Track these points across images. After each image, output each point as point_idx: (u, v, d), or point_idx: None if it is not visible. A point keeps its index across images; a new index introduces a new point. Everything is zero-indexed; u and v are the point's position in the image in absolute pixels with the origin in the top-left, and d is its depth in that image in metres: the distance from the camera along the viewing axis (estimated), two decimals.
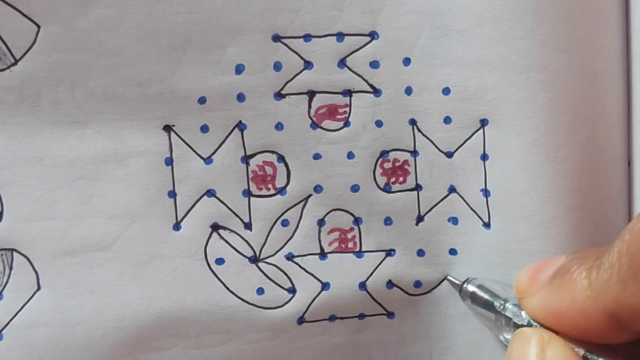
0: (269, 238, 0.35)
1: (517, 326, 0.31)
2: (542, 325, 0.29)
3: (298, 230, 0.35)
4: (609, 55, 0.35)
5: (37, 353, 0.33)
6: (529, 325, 0.30)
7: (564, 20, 0.34)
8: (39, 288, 0.33)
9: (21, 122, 0.33)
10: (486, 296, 0.33)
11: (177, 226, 0.34)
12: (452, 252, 0.36)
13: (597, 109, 0.35)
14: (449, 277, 0.36)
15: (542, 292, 0.29)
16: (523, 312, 0.31)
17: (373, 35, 0.34)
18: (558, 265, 0.29)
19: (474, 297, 0.34)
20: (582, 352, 0.27)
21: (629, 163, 0.36)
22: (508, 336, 0.31)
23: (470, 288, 0.34)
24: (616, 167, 0.36)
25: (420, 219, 0.36)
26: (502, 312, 0.32)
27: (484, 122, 0.35)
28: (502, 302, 0.32)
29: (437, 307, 0.36)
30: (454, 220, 0.36)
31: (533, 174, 0.34)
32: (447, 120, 0.35)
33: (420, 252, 0.36)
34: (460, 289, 0.35)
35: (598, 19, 0.35)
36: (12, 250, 0.33)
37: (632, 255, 0.24)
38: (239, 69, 0.34)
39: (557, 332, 0.28)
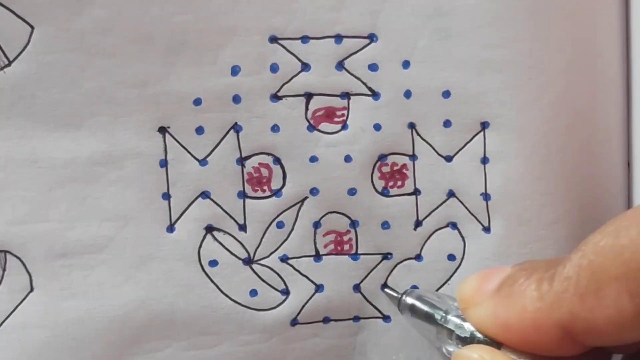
0: (263, 240, 0.37)
1: (460, 338, 0.32)
2: (486, 336, 0.30)
3: (293, 232, 0.37)
4: (610, 56, 0.38)
5: (30, 354, 0.36)
6: (472, 337, 0.31)
7: (564, 21, 0.37)
8: (32, 289, 0.36)
9: (15, 123, 0.35)
10: (426, 308, 0.35)
11: (171, 228, 0.36)
12: (451, 257, 0.38)
13: (597, 111, 0.38)
14: (386, 290, 0.38)
15: (488, 302, 0.29)
16: (466, 324, 0.32)
17: (372, 37, 0.36)
18: (505, 275, 0.30)
19: (413, 310, 0.36)
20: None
21: (629, 164, 0.38)
22: (451, 349, 0.32)
23: (409, 300, 0.36)
24: (616, 169, 0.38)
25: (418, 223, 0.38)
26: (444, 325, 0.33)
27: (484, 125, 0.37)
28: (444, 315, 0.34)
29: None
30: (452, 225, 0.38)
31: (534, 177, 0.37)
32: (447, 123, 0.37)
33: (418, 257, 0.38)
34: (398, 301, 0.37)
35: (599, 20, 0.37)
36: (5, 251, 0.36)
37: (594, 270, 0.26)
38: (235, 71, 0.36)
39: (500, 344, 0.29)
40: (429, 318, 0.34)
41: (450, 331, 0.33)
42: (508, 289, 0.29)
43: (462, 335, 0.32)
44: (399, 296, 0.37)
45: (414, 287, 0.38)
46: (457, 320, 0.32)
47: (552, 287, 0.27)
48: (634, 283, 0.25)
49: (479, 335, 0.31)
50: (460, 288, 0.31)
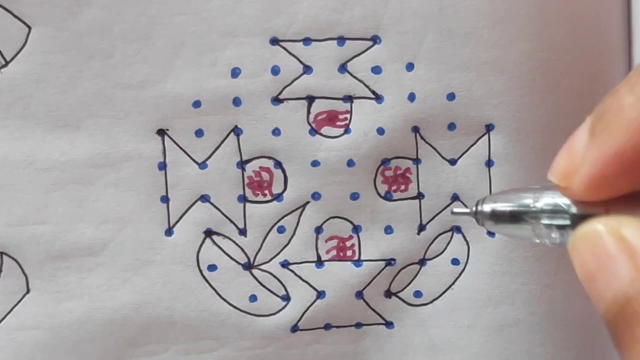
0: (264, 245, 0.37)
1: (562, 227, 0.28)
2: (601, 196, 0.26)
3: (294, 237, 0.37)
4: (613, 57, 0.38)
5: (25, 356, 0.36)
6: (577, 217, 0.28)
7: (568, 22, 0.36)
8: (28, 291, 0.36)
9: (12, 124, 0.35)
10: (510, 208, 0.30)
11: (169, 231, 0.37)
12: (455, 262, 0.38)
13: None
14: (454, 210, 0.33)
15: (589, 152, 0.25)
16: (562, 203, 0.28)
17: (375, 39, 0.36)
18: (589, 121, 0.26)
19: (496, 217, 0.31)
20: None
21: None
22: (555, 235, 0.29)
23: (487, 208, 0.31)
24: None
25: (422, 228, 0.38)
26: (538, 220, 0.29)
27: (489, 128, 0.37)
28: (533, 210, 0.29)
29: (440, 318, 0.39)
30: (457, 229, 0.38)
31: (538, 179, 0.36)
32: (452, 126, 0.37)
33: (422, 262, 0.38)
34: (475, 213, 0.31)
35: (602, 20, 0.37)
36: (1, 253, 0.36)
37: None
38: (235, 73, 0.36)
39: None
40: (516, 218, 0.30)
41: (549, 226, 0.29)
42: (601, 125, 0.25)
43: (564, 224, 0.28)
44: (474, 209, 0.31)
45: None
46: (550, 207, 0.28)
47: None
48: None
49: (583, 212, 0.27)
50: (552, 169, 0.27)
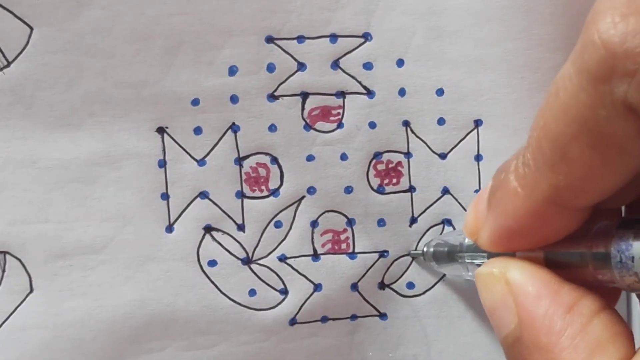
0: (262, 240, 0.38)
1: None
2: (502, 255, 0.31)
3: (291, 231, 0.38)
4: None
5: (30, 355, 0.37)
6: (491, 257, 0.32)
7: (557, 19, 0.38)
8: (31, 290, 0.36)
9: (14, 124, 0.36)
10: (445, 250, 0.37)
11: (170, 228, 0.37)
12: None
13: None
14: (411, 253, 0.40)
15: (487, 221, 0.30)
16: (479, 252, 0.34)
17: (366, 36, 0.38)
18: (489, 187, 0.30)
19: (436, 258, 0.38)
20: (541, 254, 0.29)
21: None
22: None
23: (430, 249, 0.38)
24: None
25: (413, 220, 0.39)
26: (464, 261, 0.35)
27: (478, 123, 0.38)
28: (460, 250, 0.36)
29: (432, 309, 0.40)
30: (447, 222, 0.39)
31: None
32: (441, 121, 0.38)
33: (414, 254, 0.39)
34: (423, 256, 0.39)
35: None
36: (4, 252, 0.36)
37: (552, 137, 0.26)
38: (233, 71, 0.37)
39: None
40: (452, 259, 0.36)
41: (471, 264, 0.35)
42: (494, 198, 0.29)
43: (479, 263, 0.34)
44: (422, 252, 0.39)
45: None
46: (471, 252, 0.35)
47: (525, 171, 0.27)
48: (589, 136, 0.25)
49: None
50: (464, 224, 0.32)
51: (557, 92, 0.26)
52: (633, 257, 0.26)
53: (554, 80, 0.26)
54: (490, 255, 0.32)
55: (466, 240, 0.35)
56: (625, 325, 0.28)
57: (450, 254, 0.37)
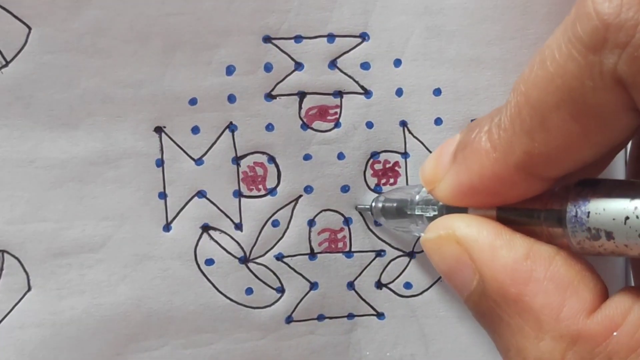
0: (259, 238, 0.39)
1: (431, 219, 0.33)
2: (456, 208, 0.31)
3: (288, 230, 0.39)
4: None
5: (28, 354, 0.37)
6: (440, 213, 0.33)
7: (554, 19, 0.38)
8: (29, 289, 0.37)
9: (12, 123, 0.36)
10: (394, 204, 0.37)
11: (167, 227, 0.38)
12: None
13: None
14: (358, 207, 0.39)
15: (448, 174, 0.30)
16: (431, 205, 0.34)
17: (364, 36, 0.38)
18: (456, 143, 0.31)
19: (385, 212, 0.38)
20: (494, 211, 0.30)
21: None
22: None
23: (379, 204, 0.38)
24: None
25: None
26: (414, 213, 0.35)
27: None
28: (410, 204, 0.36)
29: (430, 308, 0.40)
30: None
31: None
32: (438, 121, 0.39)
33: (411, 254, 0.39)
34: (371, 211, 0.39)
35: None
36: (2, 251, 0.37)
37: (533, 104, 0.26)
38: (230, 70, 0.37)
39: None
40: (401, 213, 0.36)
41: (421, 216, 0.35)
42: (462, 154, 0.30)
43: (431, 215, 0.34)
44: (370, 206, 0.39)
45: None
46: (422, 204, 0.35)
47: (500, 134, 0.28)
48: (573, 106, 0.25)
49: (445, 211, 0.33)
50: (421, 171, 0.32)
51: (543, 60, 0.26)
52: (589, 213, 0.27)
53: (539, 49, 0.27)
54: (441, 209, 0.33)
55: (417, 196, 0.35)
56: (585, 260, 0.28)
57: (399, 209, 0.37)
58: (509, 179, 0.28)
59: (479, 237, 0.29)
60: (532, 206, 0.29)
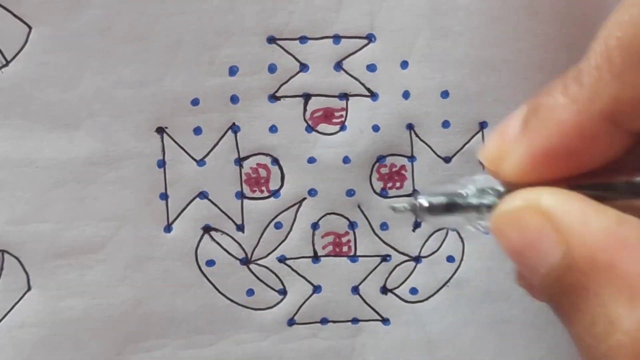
0: (261, 240, 0.38)
1: (490, 208, 0.29)
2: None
3: (291, 233, 0.38)
4: None
5: (27, 353, 0.37)
6: (503, 195, 0.28)
7: (562, 20, 0.37)
8: (29, 289, 0.37)
9: (12, 124, 0.36)
10: (444, 199, 0.31)
11: (168, 228, 0.37)
12: (450, 259, 0.39)
13: None
14: (392, 205, 0.33)
15: (519, 144, 0.27)
16: (489, 187, 0.29)
17: (370, 37, 0.37)
18: (524, 112, 0.28)
19: (432, 209, 0.32)
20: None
21: None
22: (484, 223, 0.30)
23: (423, 202, 0.31)
24: None
25: (417, 225, 0.39)
26: (470, 204, 0.30)
27: (483, 125, 0.38)
28: (464, 195, 0.30)
29: (436, 314, 0.40)
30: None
31: None
32: (446, 124, 0.38)
33: (417, 259, 0.39)
34: (413, 209, 0.32)
35: (595, 19, 0.37)
36: (3, 251, 0.37)
37: (626, 46, 0.25)
38: (233, 71, 0.37)
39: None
40: (451, 209, 0.31)
41: (477, 207, 0.30)
42: (534, 120, 0.27)
43: (491, 203, 0.29)
44: (411, 205, 0.32)
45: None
46: (478, 193, 0.29)
47: (582, 84, 0.26)
48: None
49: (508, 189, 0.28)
50: (484, 151, 0.29)
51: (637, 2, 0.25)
52: None
53: None
54: (505, 194, 0.28)
55: (469, 186, 0.30)
56: None
57: (449, 204, 0.30)
58: (592, 133, 0.26)
59: (566, 205, 0.26)
60: (618, 178, 0.27)
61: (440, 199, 0.31)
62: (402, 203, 0.33)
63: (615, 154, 0.27)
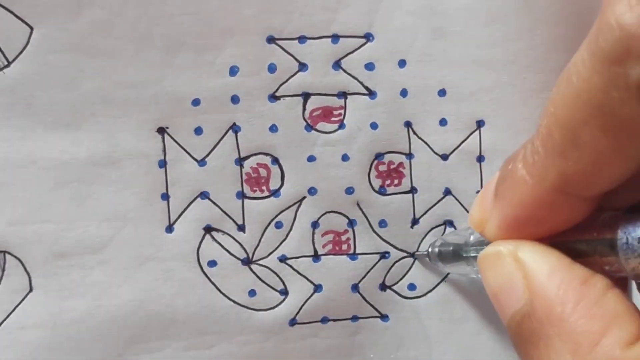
0: (262, 240, 0.38)
1: None
2: None
3: (292, 232, 0.39)
4: None
5: (29, 354, 0.37)
6: None
7: (560, 20, 0.38)
8: (31, 290, 0.37)
9: (14, 124, 0.36)
10: (450, 248, 0.37)
11: (170, 228, 0.38)
12: None
13: None
14: (416, 254, 0.40)
15: (493, 211, 0.30)
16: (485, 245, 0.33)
17: (368, 37, 0.38)
18: (496, 179, 0.30)
19: (442, 257, 0.38)
20: (546, 245, 0.29)
21: None
22: None
23: (435, 249, 0.38)
24: None
25: (415, 221, 0.39)
26: (469, 256, 0.35)
27: (480, 124, 0.39)
28: (465, 246, 0.36)
29: (434, 310, 0.40)
30: (449, 223, 0.39)
31: None
32: (443, 122, 0.38)
33: (415, 255, 0.39)
34: (428, 256, 0.39)
35: (593, 19, 0.38)
36: (4, 252, 0.37)
37: (563, 124, 0.26)
38: (233, 71, 0.37)
39: None
40: (457, 256, 0.37)
41: (475, 258, 0.34)
42: (502, 187, 0.29)
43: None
44: (428, 252, 0.39)
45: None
46: (477, 246, 0.35)
47: (534, 160, 0.27)
48: (602, 120, 0.25)
49: None
50: (469, 217, 0.32)
51: (569, 77, 0.26)
52: (639, 239, 0.27)
53: (566, 68, 0.26)
54: None
55: (471, 237, 0.35)
56: (634, 304, 0.28)
57: (455, 253, 0.37)
58: (549, 204, 0.28)
59: (538, 258, 0.29)
60: (584, 237, 0.29)
61: (448, 248, 0.37)
62: (423, 252, 0.39)
63: (581, 217, 0.28)
